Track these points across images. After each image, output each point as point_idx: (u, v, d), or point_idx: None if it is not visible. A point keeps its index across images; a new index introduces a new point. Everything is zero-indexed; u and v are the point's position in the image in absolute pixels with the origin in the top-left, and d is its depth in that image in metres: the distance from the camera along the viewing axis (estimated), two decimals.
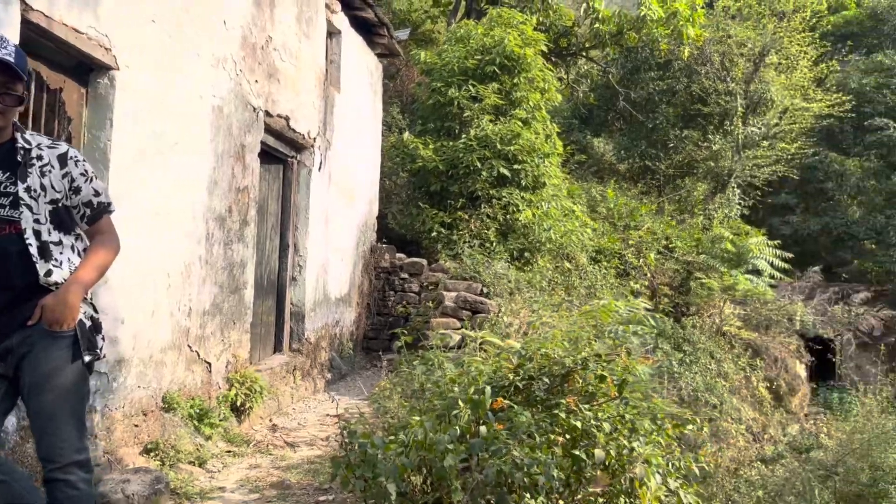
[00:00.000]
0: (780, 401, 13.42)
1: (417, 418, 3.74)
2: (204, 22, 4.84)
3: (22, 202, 2.28)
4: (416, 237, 9.73)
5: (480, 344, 5.14)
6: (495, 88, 9.87)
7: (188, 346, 4.83)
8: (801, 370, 14.35)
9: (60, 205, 2.38)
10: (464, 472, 3.54)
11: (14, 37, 3.06)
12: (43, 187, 2.33)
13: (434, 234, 9.23)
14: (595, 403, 3.84)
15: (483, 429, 3.60)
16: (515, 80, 10.06)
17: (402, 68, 13.55)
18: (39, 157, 2.35)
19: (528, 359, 4.14)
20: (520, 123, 9.72)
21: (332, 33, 7.81)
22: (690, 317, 13.11)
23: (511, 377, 4.05)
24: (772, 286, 15.15)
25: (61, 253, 2.38)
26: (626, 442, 3.62)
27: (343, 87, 8.03)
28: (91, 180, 2.47)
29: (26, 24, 3.18)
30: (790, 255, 15.05)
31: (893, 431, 8.42)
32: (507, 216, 9.46)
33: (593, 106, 18.09)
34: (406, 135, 10.31)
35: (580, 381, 3.93)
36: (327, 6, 7.33)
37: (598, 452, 3.58)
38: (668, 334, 11.83)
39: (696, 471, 4.30)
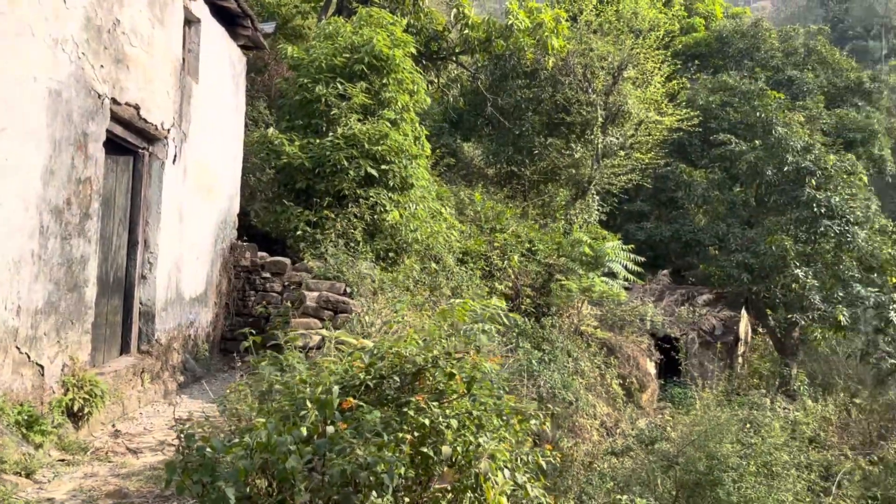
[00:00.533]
0: (631, 396, 14.09)
1: (262, 420, 3.66)
2: None
3: None
4: (280, 236, 9.51)
5: (337, 343, 5.10)
6: (364, 88, 9.83)
7: (16, 347, 4.46)
8: (651, 367, 15.17)
9: None
10: (311, 473, 3.49)
11: None
12: None
13: (299, 232, 9.06)
14: (444, 401, 3.90)
15: (330, 429, 3.57)
16: (384, 81, 10.07)
17: (271, 63, 13.22)
18: None
19: (380, 358, 4.14)
20: (388, 124, 9.73)
21: (191, 21, 7.49)
22: (550, 317, 13.60)
23: (362, 376, 4.04)
24: (626, 288, 16.03)
25: None
26: (472, 438, 3.70)
27: (202, 78, 7.71)
28: None
29: None
30: (643, 259, 15.96)
31: (727, 423, 9.09)
32: (375, 216, 9.45)
33: (463, 111, 18.42)
34: (271, 130, 10.07)
35: (430, 379, 3.99)
36: None
37: (446, 449, 3.64)
38: (528, 334, 12.23)
39: (544, 465, 4.46)
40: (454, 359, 4.02)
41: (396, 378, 4.00)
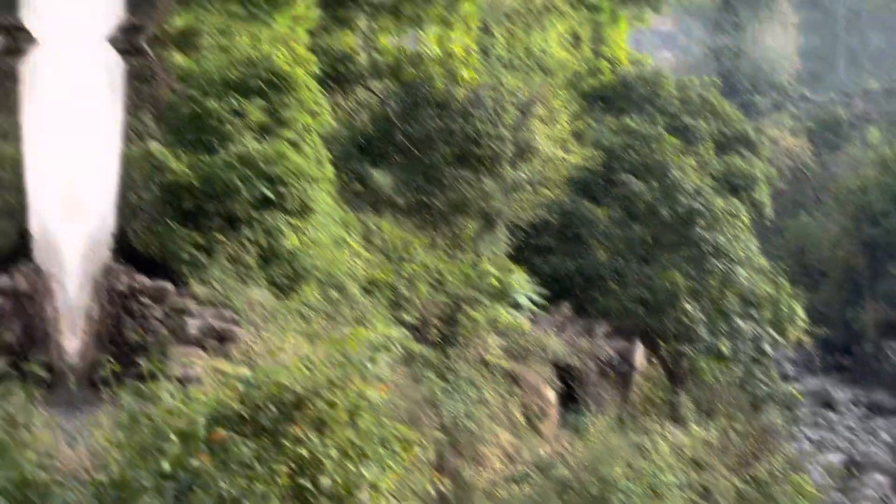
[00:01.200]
0: (533, 425, 14.19)
1: (116, 455, 3.25)
2: None
3: None
4: (164, 259, 8.91)
5: (216, 373, 4.70)
6: (261, 105, 9.45)
7: None
8: (552, 396, 15.33)
9: None
10: None
11: None
12: None
13: (185, 256, 8.49)
14: (325, 430, 3.59)
15: (196, 461, 3.20)
16: (284, 100, 9.71)
17: (159, 72, 12.59)
18: None
19: (257, 387, 3.80)
20: (287, 144, 9.39)
21: None
22: (456, 347, 13.54)
23: (235, 406, 3.69)
24: (530, 320, 16.24)
25: None
26: (354, 468, 3.41)
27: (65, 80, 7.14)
28: None
29: None
30: (547, 292, 16.25)
31: (618, 448, 9.29)
32: (271, 241, 9.06)
33: (372, 136, 18.23)
34: (154, 144, 9.47)
35: (312, 408, 3.67)
36: None
37: (325, 480, 3.33)
38: (432, 364, 12.11)
39: (433, 492, 4.21)
40: (336, 387, 3.73)
41: (273, 408, 3.66)
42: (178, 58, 10.06)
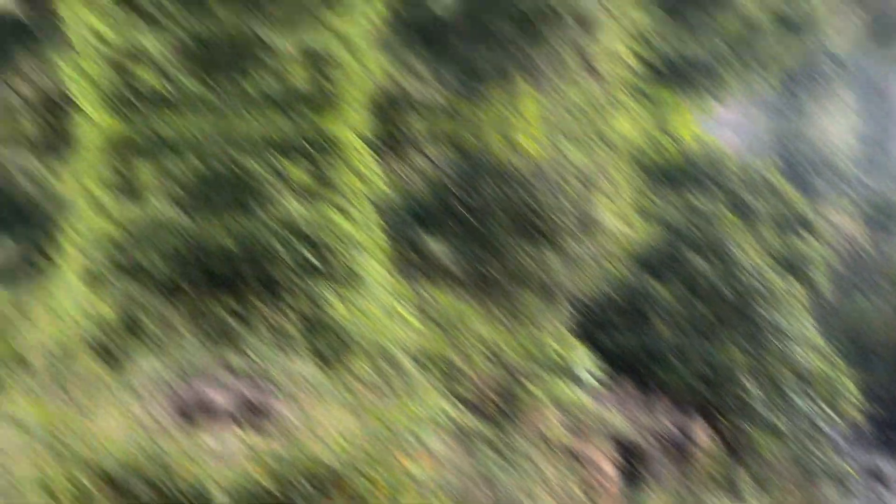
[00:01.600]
0: (593, 502, 14.16)
1: None
2: None
3: None
4: None
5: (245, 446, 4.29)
6: (306, 166, 9.27)
7: None
8: (613, 473, 15.44)
9: None
10: None
11: None
12: None
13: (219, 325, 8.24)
14: None
15: None
16: (331, 160, 9.52)
17: None
18: None
19: (290, 462, 3.38)
20: (335, 210, 9.18)
21: None
22: (514, 422, 13.42)
23: (264, 483, 3.26)
24: (592, 395, 15.93)
25: None
26: None
27: None
28: None
29: None
30: (608, 367, 16.36)
31: None
32: (316, 310, 8.80)
33: (428, 203, 18.27)
34: None
35: (349, 485, 3.24)
36: None
37: None
38: (488, 439, 12.00)
39: None
40: (377, 462, 3.27)
41: (307, 484, 3.23)
42: None
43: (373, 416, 4.29)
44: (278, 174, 8.98)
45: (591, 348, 16.46)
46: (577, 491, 13.62)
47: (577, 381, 15.11)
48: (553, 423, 14.24)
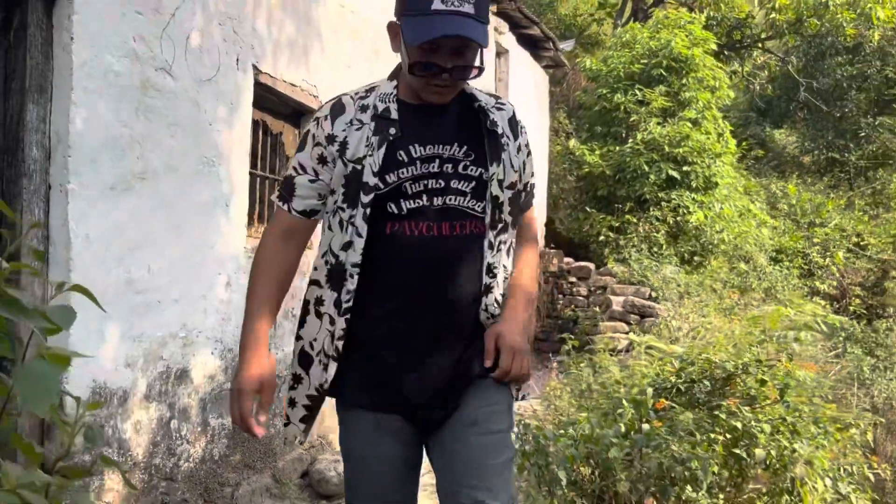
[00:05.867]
0: None
1: (584, 415, 4.10)
2: (390, 58, 5.49)
3: (491, 191, 1.67)
4: (583, 241, 9.98)
5: (646, 348, 5.37)
6: (662, 91, 9.91)
7: None
8: None
9: (517, 191, 1.74)
10: (627, 465, 3.86)
11: (249, 95, 3.82)
12: (502, 166, 1.71)
13: (602, 238, 9.46)
14: (756, 406, 4.00)
15: (646, 426, 3.90)
16: (683, 81, 10.03)
17: (569, 73, 13.83)
18: (495, 124, 1.72)
19: (690, 363, 4.36)
20: (689, 125, 9.69)
21: (500, 53, 8.32)
22: (886, 319, 12.36)
23: (673, 380, 4.30)
24: None
25: (498, 261, 1.74)
26: (787, 443, 3.76)
27: (511, 102, 8.50)
28: (530, 153, 1.83)
29: (258, 85, 3.93)
30: None
31: None
32: (677, 219, 9.46)
33: (772, 97, 17.27)
34: (572, 142, 10.60)
35: (741, 384, 4.10)
36: (495, 29, 7.84)
37: (759, 452, 3.75)
38: (857, 338, 11.29)
39: (871, 477, 4.32)
40: (765, 366, 4.10)
41: (707, 383, 4.19)
42: (587, 60, 11.10)
43: (747, 319, 5.02)
44: (641, 102, 9.82)
45: None
46: None
47: None
48: None
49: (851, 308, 12.43)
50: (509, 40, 8.32)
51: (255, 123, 4.06)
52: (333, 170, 1.64)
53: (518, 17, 8.19)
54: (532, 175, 1.84)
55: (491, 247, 1.69)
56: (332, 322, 1.66)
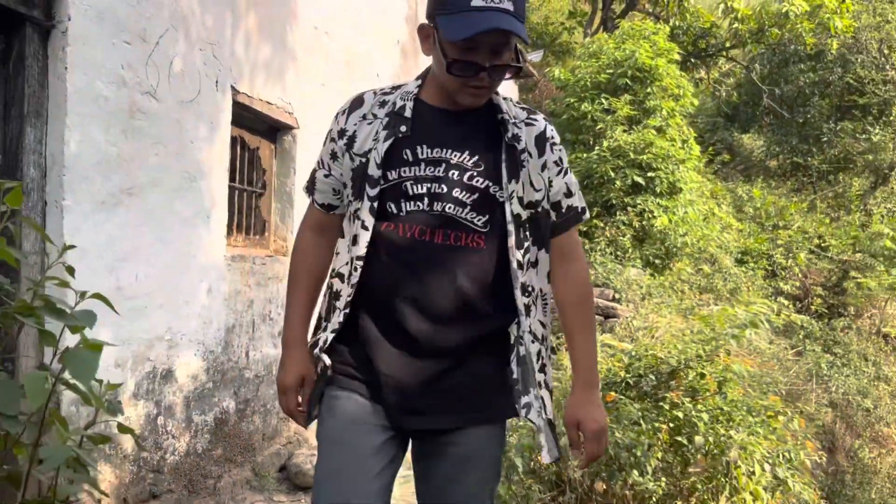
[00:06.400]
0: None
1: None
2: (362, 75, 5.81)
3: (512, 210, 1.62)
4: None
5: (601, 346, 5.73)
6: (627, 100, 10.30)
7: None
8: None
9: (540, 210, 1.69)
10: None
11: (228, 114, 4.12)
12: (522, 183, 1.64)
13: None
14: (697, 398, 4.36)
15: None
16: (648, 90, 10.44)
17: (540, 81, 14.23)
18: (517, 138, 1.65)
19: (638, 359, 4.73)
20: (653, 132, 10.08)
21: None
22: (845, 318, 12.79)
23: (622, 374, 4.66)
24: None
25: (530, 281, 1.69)
26: (723, 431, 4.12)
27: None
28: (566, 173, 1.73)
29: (236, 104, 4.24)
30: None
31: None
32: (643, 223, 9.85)
33: (737, 103, 17.81)
34: None
35: (684, 378, 4.47)
36: None
37: (699, 439, 4.12)
38: (816, 336, 11.69)
39: (808, 462, 4.71)
40: (705, 360, 4.47)
41: (652, 377, 4.55)
42: (556, 70, 11.50)
43: (698, 318, 5.40)
44: (607, 111, 10.22)
45: None
46: None
47: None
48: (893, 318, 13.14)
49: (813, 307, 12.84)
50: None
51: (234, 139, 4.36)
52: (342, 165, 1.66)
53: None
54: (571, 196, 1.74)
55: (521, 266, 1.64)
56: (339, 314, 1.66)
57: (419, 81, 1.68)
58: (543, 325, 1.72)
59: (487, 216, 1.61)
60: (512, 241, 1.62)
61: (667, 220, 9.99)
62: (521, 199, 1.63)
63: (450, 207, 1.59)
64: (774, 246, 13.21)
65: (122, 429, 1.28)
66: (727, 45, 15.44)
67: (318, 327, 1.76)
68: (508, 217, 1.61)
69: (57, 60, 3.03)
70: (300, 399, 1.71)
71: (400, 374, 1.62)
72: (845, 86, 16.39)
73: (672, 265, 10.18)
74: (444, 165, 1.59)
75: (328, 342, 1.66)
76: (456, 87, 1.58)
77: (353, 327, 1.66)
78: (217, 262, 4.04)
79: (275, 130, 4.83)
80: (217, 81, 3.99)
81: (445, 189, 1.58)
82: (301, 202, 4.97)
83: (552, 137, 1.71)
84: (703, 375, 4.38)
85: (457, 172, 1.59)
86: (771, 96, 16.34)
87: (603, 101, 10.33)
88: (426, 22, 1.61)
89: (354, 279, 1.62)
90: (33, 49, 3.00)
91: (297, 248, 1.78)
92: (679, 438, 4.17)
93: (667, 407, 4.24)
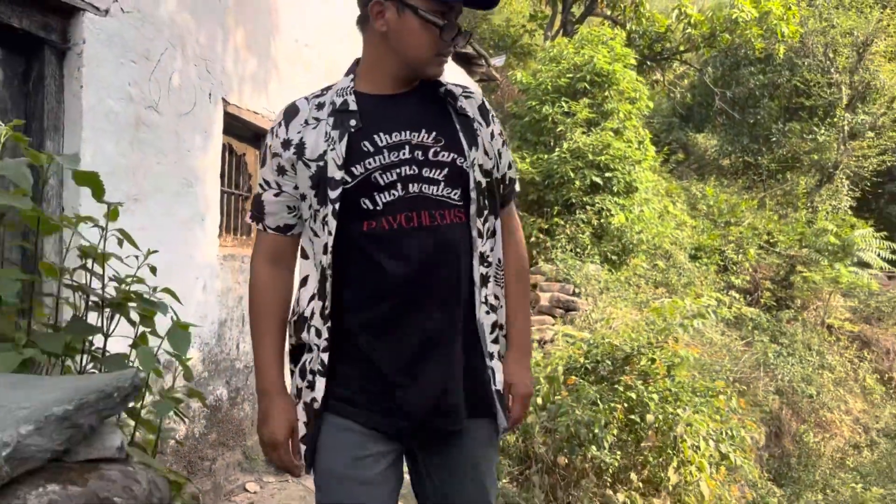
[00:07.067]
0: (893, 393, 13.30)
1: None
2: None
3: (474, 178, 1.60)
4: None
5: (564, 336, 6.19)
6: (586, 103, 10.79)
7: None
8: None
9: (494, 179, 1.68)
10: (545, 430, 4.65)
11: (220, 124, 4.45)
12: (479, 152, 1.64)
13: (532, 239, 10.28)
14: (648, 380, 4.84)
15: (557, 398, 4.71)
16: (606, 94, 10.94)
17: (503, 83, 14.66)
18: (465, 109, 1.66)
19: (596, 346, 5.20)
20: (611, 134, 10.59)
21: None
22: (790, 310, 13.36)
23: (582, 360, 5.13)
24: (890, 277, 15.13)
25: (489, 249, 1.66)
26: (671, 409, 4.61)
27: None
28: (506, 144, 1.76)
29: (226, 115, 4.57)
30: None
31: None
32: (601, 221, 10.34)
33: (692, 104, 18.49)
34: None
35: (637, 363, 4.95)
36: None
37: (650, 417, 4.60)
38: (764, 327, 12.28)
39: (748, 439, 5.23)
40: (656, 347, 4.96)
41: (609, 362, 5.03)
42: (518, 73, 11.93)
43: (652, 310, 5.89)
44: (567, 114, 10.70)
45: (887, 226, 15.61)
46: (871, 381, 13.00)
47: (862, 264, 14.59)
48: (836, 310, 13.77)
49: (763, 300, 13.46)
50: None
51: (223, 147, 4.69)
52: (296, 176, 1.57)
53: None
54: (511, 168, 1.76)
55: (480, 235, 1.60)
56: (319, 333, 1.55)
57: (351, 76, 1.65)
58: (497, 296, 1.67)
59: (460, 189, 1.57)
60: (473, 209, 1.58)
61: (624, 218, 10.48)
62: (481, 167, 1.61)
63: (425, 187, 1.54)
64: (726, 242, 13.78)
65: (193, 392, 1.64)
66: (681, 48, 16.07)
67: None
68: (472, 185, 1.58)
69: (72, 79, 3.35)
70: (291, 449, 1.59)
71: (417, 382, 1.54)
72: (793, 88, 17.19)
73: (628, 261, 10.69)
74: (406, 148, 1.55)
75: (326, 363, 1.54)
76: (429, 57, 1.57)
77: (339, 342, 1.56)
78: (211, 262, 4.37)
79: (259, 137, 5.16)
80: (210, 94, 4.32)
81: (416, 170, 1.54)
82: None
83: (490, 109, 1.73)
84: (653, 360, 4.86)
85: (420, 152, 1.55)
86: (723, 98, 17.03)
87: (563, 104, 10.80)
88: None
89: (327, 289, 1.53)
90: (51, 70, 3.31)
91: (255, 286, 1.62)
92: (633, 417, 4.65)
93: (621, 389, 4.72)
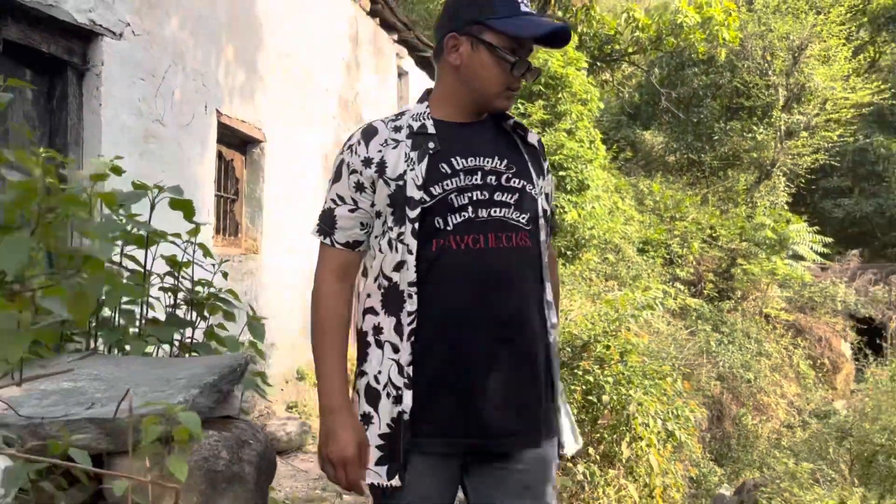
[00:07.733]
0: (824, 378, 14.28)
1: None
2: (314, 90, 6.54)
3: (542, 206, 1.69)
4: None
5: None
6: (541, 105, 11.32)
7: None
8: (846, 349, 15.05)
9: (549, 208, 1.76)
10: None
11: (214, 133, 4.80)
12: (544, 182, 1.74)
13: None
14: (604, 366, 5.39)
15: None
16: (559, 96, 11.48)
17: None
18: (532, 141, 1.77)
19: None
20: (564, 134, 11.14)
21: (401, 74, 9.45)
22: (732, 301, 14.09)
23: None
24: (822, 269, 15.99)
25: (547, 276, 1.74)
26: (624, 391, 5.16)
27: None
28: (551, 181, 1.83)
29: (219, 125, 4.92)
30: (831, 240, 15.87)
31: None
32: (555, 217, 10.82)
33: (639, 103, 19.21)
34: None
35: (593, 350, 5.49)
36: (397, 54, 8.97)
37: (605, 398, 5.15)
38: (707, 317, 13.00)
39: (691, 417, 5.82)
40: (610, 336, 5.51)
41: (568, 349, 5.56)
42: None
43: (604, 302, 6.44)
44: (523, 115, 11.20)
45: (820, 221, 16.40)
46: (804, 367, 13.62)
47: (797, 257, 15.43)
48: (773, 301, 14.44)
49: (706, 292, 14.18)
50: (409, 63, 9.46)
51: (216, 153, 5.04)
52: (374, 194, 1.62)
53: (416, 43, 9.35)
54: (552, 202, 1.81)
55: (543, 258, 1.68)
56: (396, 349, 1.57)
57: (425, 103, 1.69)
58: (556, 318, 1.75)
59: (528, 214, 1.63)
60: (542, 235, 1.66)
61: (576, 214, 11.01)
62: (546, 196, 1.71)
63: (495, 210, 1.60)
64: (672, 236, 14.47)
65: (256, 374, 2.05)
66: (629, 50, 16.75)
67: (362, 373, 1.65)
68: (539, 212, 1.65)
69: (91, 98, 3.68)
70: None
71: (499, 393, 1.56)
72: (734, 89, 18.04)
73: (581, 255, 11.26)
74: (480, 173, 1.61)
75: (410, 376, 1.56)
76: (498, 91, 1.63)
77: (415, 362, 1.57)
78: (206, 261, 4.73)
79: (246, 144, 5.52)
80: (206, 106, 4.68)
81: (488, 195, 1.60)
82: (270, 207, 5.69)
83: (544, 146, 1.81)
84: (608, 347, 5.41)
85: (493, 177, 1.62)
86: (668, 97, 17.79)
87: (519, 105, 11.31)
88: (452, 33, 1.63)
89: (411, 307, 1.56)
90: (73, 89, 3.65)
91: (321, 301, 1.65)
92: (590, 398, 5.19)
93: (580, 373, 5.25)
